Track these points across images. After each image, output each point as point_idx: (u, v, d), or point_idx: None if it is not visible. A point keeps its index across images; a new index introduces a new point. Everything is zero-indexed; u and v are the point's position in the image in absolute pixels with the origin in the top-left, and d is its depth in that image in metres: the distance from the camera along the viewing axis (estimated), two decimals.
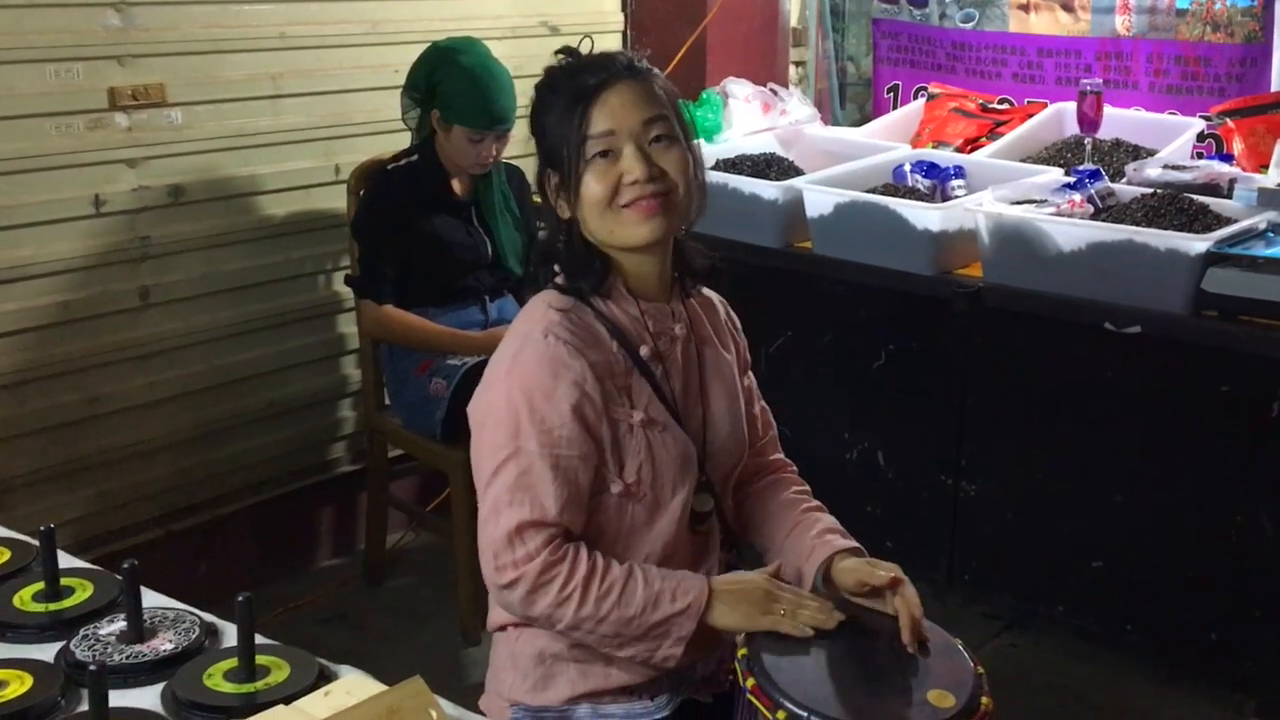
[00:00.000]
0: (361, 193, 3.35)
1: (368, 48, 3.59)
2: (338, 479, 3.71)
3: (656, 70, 1.78)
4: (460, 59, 3.21)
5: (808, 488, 1.99)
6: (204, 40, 3.26)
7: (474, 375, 2.80)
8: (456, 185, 3.31)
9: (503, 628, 1.86)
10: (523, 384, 1.70)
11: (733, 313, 1.99)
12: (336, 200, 3.50)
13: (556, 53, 1.81)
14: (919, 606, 1.70)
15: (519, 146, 3.50)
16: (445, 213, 3.28)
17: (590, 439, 1.70)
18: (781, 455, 2.04)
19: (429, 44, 3.29)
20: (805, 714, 1.49)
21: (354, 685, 1.56)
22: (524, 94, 3.28)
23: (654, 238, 1.73)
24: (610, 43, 4.08)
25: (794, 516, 1.90)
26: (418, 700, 1.48)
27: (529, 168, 3.47)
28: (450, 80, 3.19)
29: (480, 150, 3.21)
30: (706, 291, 1.95)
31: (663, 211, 1.72)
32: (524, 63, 3.57)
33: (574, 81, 1.72)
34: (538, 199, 1.84)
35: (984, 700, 1.56)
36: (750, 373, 2.00)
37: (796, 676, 1.57)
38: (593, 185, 1.70)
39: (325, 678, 1.61)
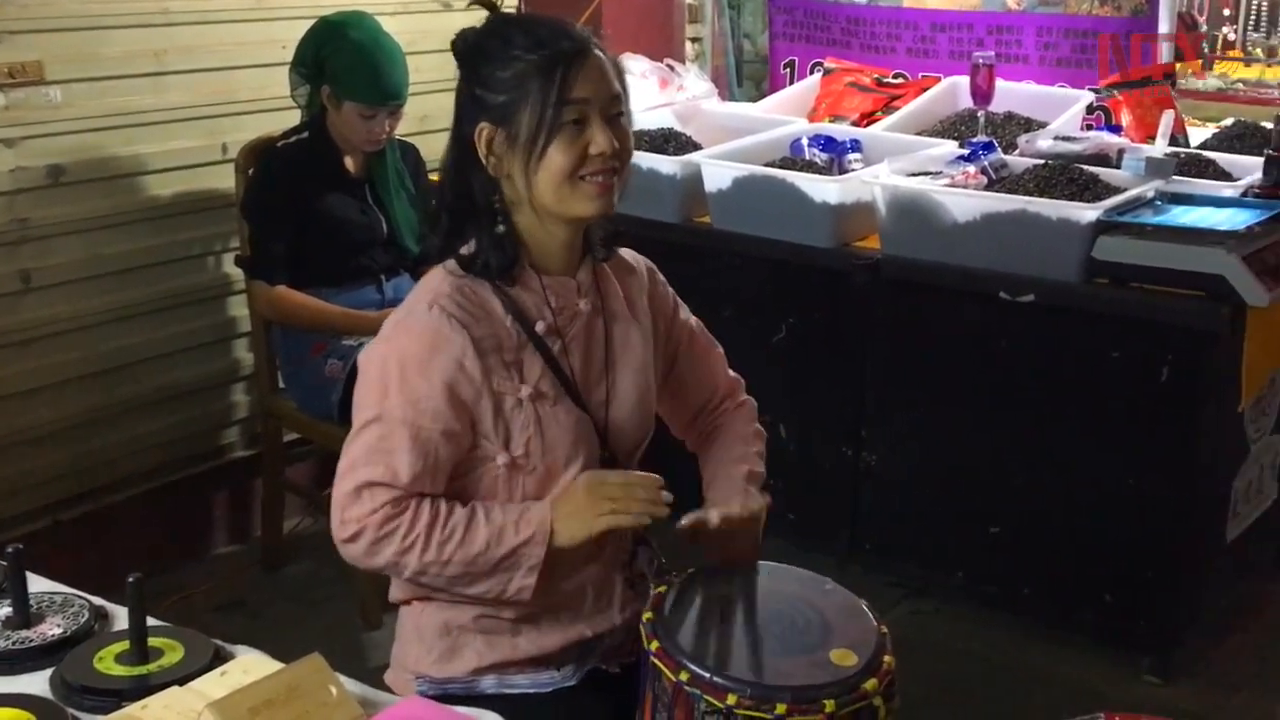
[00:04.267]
0: (250, 171, 3.29)
1: (254, 23, 3.51)
2: (232, 464, 3.64)
3: None
4: (350, 33, 3.15)
5: (757, 428, 2.02)
6: (83, 16, 3.16)
7: None
8: (349, 163, 3.26)
9: (407, 601, 1.84)
10: (399, 352, 1.69)
11: (659, 276, 1.96)
12: (224, 180, 3.42)
13: (474, 3, 1.79)
14: (732, 517, 1.76)
15: (412, 123, 3.46)
16: (338, 191, 3.22)
17: (461, 415, 1.69)
18: (743, 398, 2.05)
19: (317, 19, 3.23)
20: (707, 675, 1.49)
21: (251, 665, 1.54)
22: (417, 70, 3.31)
23: (604, 213, 1.73)
24: None
25: (723, 444, 1.95)
26: (317, 677, 1.47)
27: (423, 144, 3.49)
28: (340, 55, 3.14)
29: (373, 127, 3.16)
30: (631, 258, 1.93)
31: (614, 190, 1.72)
32: (417, 38, 3.53)
33: (537, 39, 1.68)
34: (435, 176, 1.80)
35: (886, 659, 1.57)
36: (693, 320, 2.00)
37: (699, 638, 1.57)
38: (559, 154, 1.67)
39: (221, 658, 1.59)
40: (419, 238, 3.25)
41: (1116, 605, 3.04)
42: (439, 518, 1.68)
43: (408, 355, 1.68)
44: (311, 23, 3.22)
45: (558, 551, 1.70)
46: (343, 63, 3.13)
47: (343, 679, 1.49)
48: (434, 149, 3.46)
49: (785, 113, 3.97)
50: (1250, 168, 3.23)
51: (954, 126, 3.68)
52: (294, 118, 3.32)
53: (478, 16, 1.78)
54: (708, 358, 2.03)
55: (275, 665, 1.52)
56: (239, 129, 3.45)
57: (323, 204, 3.19)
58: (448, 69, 1.79)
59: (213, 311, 3.54)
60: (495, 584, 1.70)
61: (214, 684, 1.48)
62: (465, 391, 1.69)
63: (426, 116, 3.56)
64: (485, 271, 1.74)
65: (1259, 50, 6.16)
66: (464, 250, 1.77)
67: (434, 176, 3.36)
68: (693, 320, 2.01)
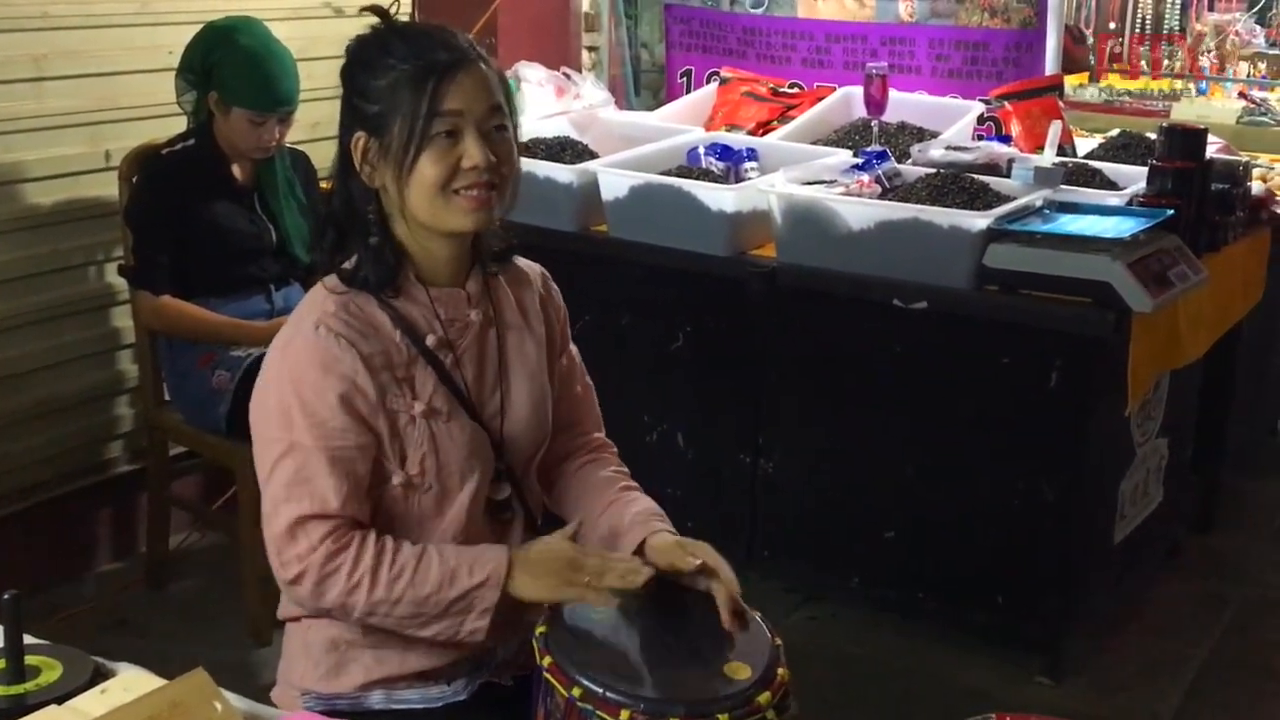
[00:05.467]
0: (134, 179, 3.21)
1: (139, 28, 3.43)
2: (116, 479, 3.54)
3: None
4: (239, 39, 3.09)
5: (627, 470, 1.95)
6: None
7: (259, 367, 2.70)
8: (237, 170, 3.20)
9: (295, 618, 1.81)
10: (292, 377, 1.65)
11: (552, 284, 1.94)
12: (108, 188, 3.33)
13: (364, 9, 1.76)
14: (735, 585, 1.66)
15: (303, 131, 3.40)
16: (225, 199, 3.16)
17: (366, 430, 1.66)
18: (603, 435, 2.00)
19: (205, 24, 3.16)
20: (600, 690, 1.48)
21: (132, 682, 1.49)
22: (308, 76, 3.25)
23: (479, 228, 1.71)
24: None
25: (611, 494, 1.87)
26: (201, 693, 1.43)
27: (314, 152, 3.44)
28: (229, 61, 3.08)
29: (262, 134, 3.10)
30: (525, 265, 1.90)
31: (491, 206, 1.69)
32: (308, 44, 3.47)
33: (414, 49, 1.65)
34: (326, 184, 1.77)
35: (780, 671, 1.56)
36: (573, 348, 1.96)
37: (592, 653, 1.55)
38: (430, 166, 1.64)
39: (102, 675, 1.54)
40: (309, 247, 3.19)
41: (1008, 607, 3.08)
42: (385, 553, 1.64)
43: (301, 379, 1.65)
44: (199, 28, 3.16)
45: (511, 600, 1.65)
46: (232, 69, 3.07)
47: (228, 695, 1.46)
48: (325, 156, 3.38)
49: (682, 122, 3.98)
50: (1135, 177, 3.30)
51: (848, 136, 3.72)
52: (180, 125, 3.24)
53: (370, 23, 1.76)
54: (582, 387, 1.98)
55: (158, 682, 1.48)
56: (123, 136, 3.36)
57: (209, 212, 3.13)
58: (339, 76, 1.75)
59: (96, 322, 3.44)
60: (447, 626, 1.66)
61: (94, 702, 1.44)
62: (362, 408, 1.66)
63: (318, 124, 3.51)
64: (365, 284, 1.70)
65: (1144, 63, 6.33)
66: (347, 265, 1.73)
67: (325, 185, 3.34)
68: (574, 350, 1.97)
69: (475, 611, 1.65)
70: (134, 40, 3.42)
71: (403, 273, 1.73)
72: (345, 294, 1.70)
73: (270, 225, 3.21)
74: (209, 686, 1.43)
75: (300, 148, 3.35)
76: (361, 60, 1.69)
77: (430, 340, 1.73)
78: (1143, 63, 6.27)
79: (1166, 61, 6.32)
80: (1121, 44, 6.42)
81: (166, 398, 3.30)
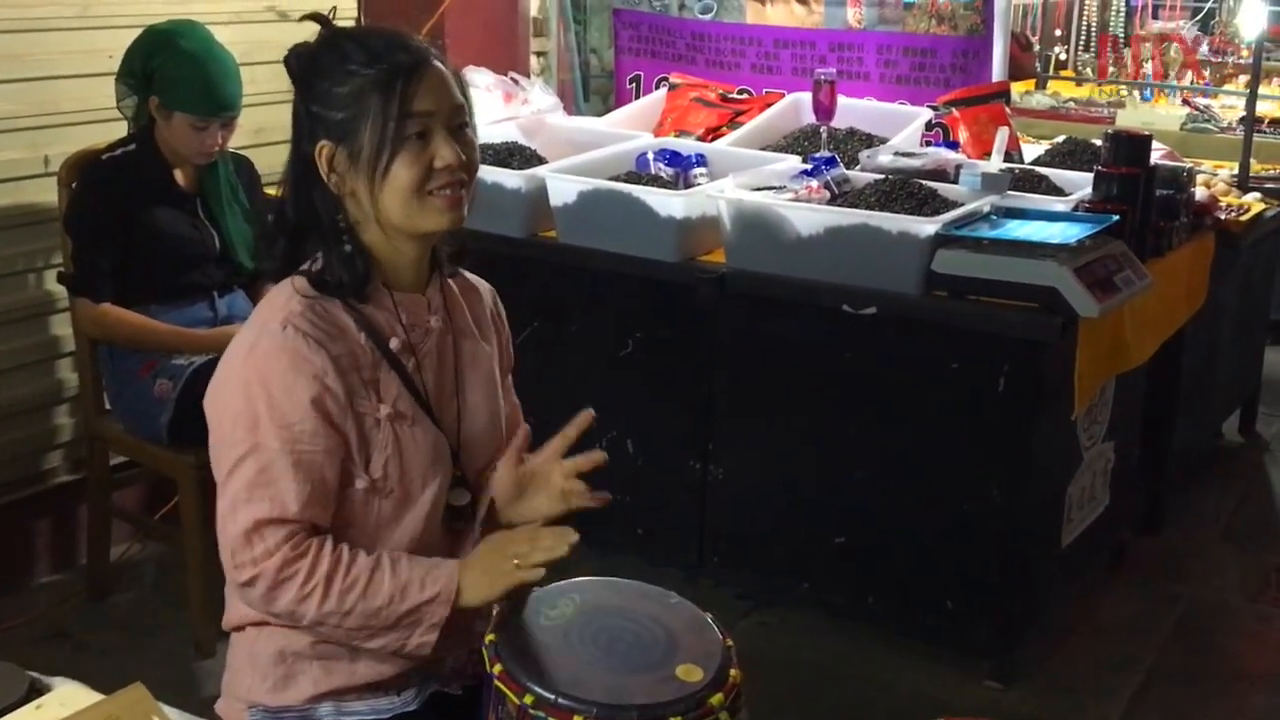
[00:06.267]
0: (74, 185, 3.15)
1: (79, 32, 3.38)
2: (56, 489, 3.48)
3: None
4: (180, 43, 3.05)
5: None
6: None
7: (202, 375, 2.67)
8: (179, 176, 3.15)
9: (240, 628, 1.78)
10: (260, 376, 1.62)
11: (500, 304, 1.94)
12: (46, 193, 3.27)
13: (305, 18, 1.73)
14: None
15: (247, 136, 3.36)
16: (167, 205, 3.11)
17: (334, 433, 1.65)
18: (515, 401, 2.00)
19: (145, 28, 3.11)
20: (552, 697, 1.47)
21: (69, 697, 1.47)
22: (251, 81, 3.22)
23: (455, 227, 1.69)
24: None
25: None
26: (139, 708, 1.42)
27: (258, 158, 3.40)
28: (170, 65, 3.03)
29: (205, 138, 3.06)
30: (475, 280, 1.90)
31: (464, 201, 1.68)
32: (251, 49, 3.43)
33: (373, 53, 1.64)
34: (273, 190, 1.75)
35: (732, 673, 1.56)
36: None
37: (543, 659, 1.54)
38: (404, 170, 1.63)
39: (37, 690, 1.51)
40: (254, 253, 3.16)
41: (957, 611, 3.09)
42: (340, 564, 1.63)
43: (270, 378, 1.62)
44: (139, 32, 3.11)
45: (462, 613, 1.65)
46: (173, 73, 3.03)
47: (168, 709, 1.44)
48: (269, 162, 3.39)
49: (631, 127, 3.97)
50: (1081, 183, 3.33)
51: (797, 142, 3.72)
52: (120, 129, 3.19)
53: (315, 29, 1.73)
54: (515, 410, 1.99)
55: (95, 696, 1.46)
56: (62, 141, 3.30)
57: (150, 218, 3.08)
58: (284, 80, 1.73)
59: (34, 330, 3.38)
60: (396, 639, 1.65)
61: (29, 718, 1.42)
62: (332, 409, 1.64)
63: (261, 129, 3.46)
64: (339, 290, 1.69)
65: (1089, 70, 6.40)
66: (313, 268, 1.71)
67: (271, 190, 3.31)
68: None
69: (424, 625, 1.64)
70: (73, 44, 3.37)
71: (371, 278, 1.71)
72: (312, 297, 1.68)
73: (213, 231, 3.16)
74: (147, 701, 1.42)
75: (244, 153, 3.31)
76: (318, 68, 1.67)
77: (394, 344, 1.72)
78: (1088, 70, 6.34)
79: (1112, 69, 6.39)
80: (1068, 51, 6.49)
81: (107, 407, 3.25)
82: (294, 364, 1.62)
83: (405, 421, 1.70)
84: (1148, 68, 5.98)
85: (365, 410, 1.67)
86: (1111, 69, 6.28)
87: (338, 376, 1.64)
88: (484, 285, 1.92)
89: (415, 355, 1.74)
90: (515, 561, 1.62)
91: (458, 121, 1.68)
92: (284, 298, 1.68)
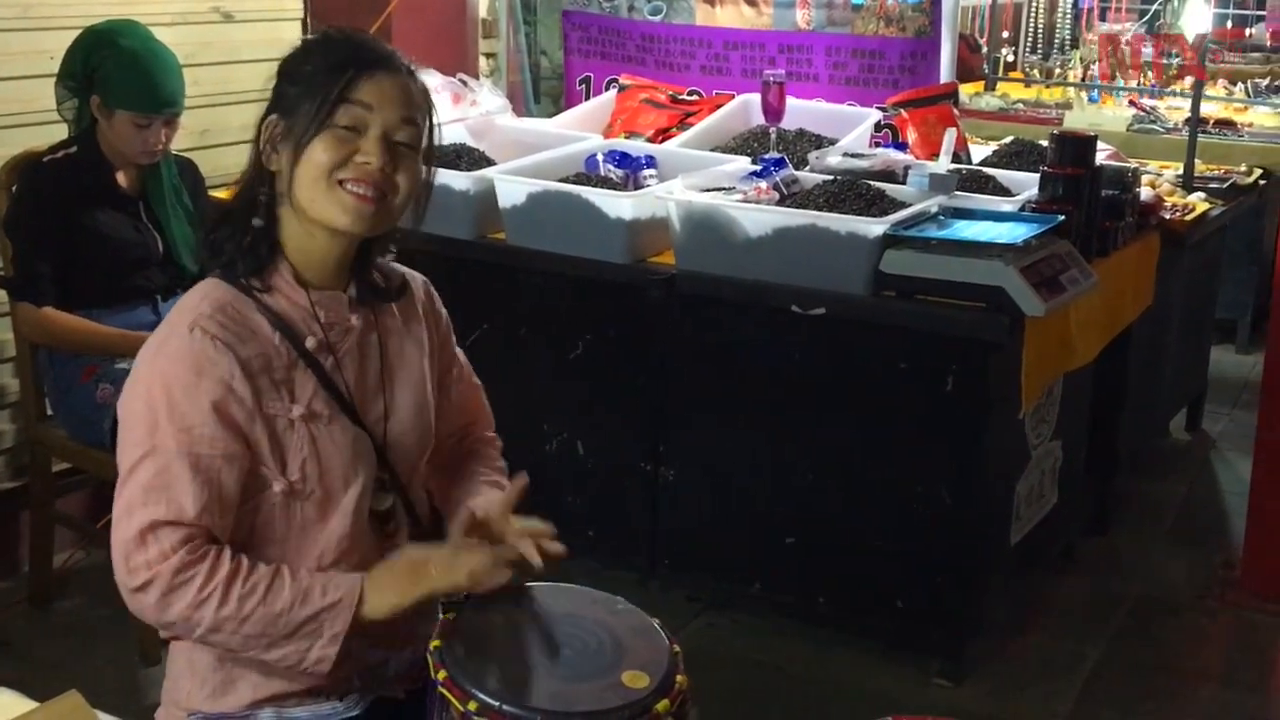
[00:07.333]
0: (14, 188, 3.10)
1: (18, 32, 3.33)
2: None
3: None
4: (120, 41, 3.02)
5: (503, 465, 1.95)
6: None
7: None
8: (122, 178, 3.11)
9: (179, 635, 1.74)
10: (163, 379, 1.61)
11: (435, 295, 1.92)
12: None
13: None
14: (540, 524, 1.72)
15: (191, 138, 3.32)
16: (110, 207, 3.07)
17: (238, 438, 1.62)
18: (492, 433, 2.00)
19: (85, 29, 3.07)
20: (497, 704, 1.45)
21: (4, 706, 1.46)
22: (195, 82, 3.18)
23: (352, 230, 1.67)
24: (289, 32, 3.88)
25: (472, 485, 1.88)
26: (74, 716, 1.38)
27: (203, 160, 3.36)
28: (110, 63, 3.00)
29: (148, 137, 3.02)
30: (406, 272, 1.88)
31: (374, 212, 1.66)
32: (196, 50, 3.38)
33: (349, 46, 1.68)
34: (224, 192, 1.73)
35: (679, 679, 1.55)
36: (459, 352, 1.95)
37: (489, 666, 1.53)
38: (322, 151, 1.62)
39: None
40: (196, 256, 3.12)
41: (907, 610, 3.10)
42: (240, 569, 1.60)
43: (171, 381, 1.60)
44: (79, 33, 3.06)
45: (365, 624, 1.63)
46: (114, 70, 2.99)
47: (106, 718, 1.42)
48: (213, 165, 3.35)
49: (581, 129, 3.96)
50: (1027, 184, 3.34)
51: (747, 143, 3.72)
52: (61, 131, 3.15)
53: (260, 30, 1.73)
54: (472, 390, 1.99)
55: (30, 705, 1.43)
56: (2, 144, 3.25)
57: (93, 221, 3.04)
58: (229, 81, 1.73)
59: None
60: (294, 650, 1.62)
61: None
62: (237, 414, 1.62)
63: (206, 131, 3.42)
64: (233, 269, 1.67)
65: (1037, 72, 6.45)
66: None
67: (216, 193, 3.27)
68: (461, 354, 1.97)
69: (325, 636, 1.61)
70: (12, 45, 3.31)
71: (275, 265, 1.70)
72: (224, 299, 1.66)
73: (156, 234, 3.13)
74: (83, 709, 1.39)
75: (188, 155, 3.26)
76: (304, 53, 1.70)
77: (310, 343, 1.70)
78: (1036, 71, 6.39)
79: (1058, 71, 6.45)
80: (1016, 53, 6.53)
81: (49, 412, 3.20)
82: (197, 366, 1.60)
83: (321, 421, 1.68)
84: (1095, 69, 6.03)
85: (277, 412, 1.65)
86: (1058, 71, 6.34)
87: (245, 379, 1.62)
88: (417, 278, 1.90)
89: (334, 354, 1.72)
90: (434, 571, 1.63)
91: (400, 137, 1.66)
92: (196, 298, 1.67)
